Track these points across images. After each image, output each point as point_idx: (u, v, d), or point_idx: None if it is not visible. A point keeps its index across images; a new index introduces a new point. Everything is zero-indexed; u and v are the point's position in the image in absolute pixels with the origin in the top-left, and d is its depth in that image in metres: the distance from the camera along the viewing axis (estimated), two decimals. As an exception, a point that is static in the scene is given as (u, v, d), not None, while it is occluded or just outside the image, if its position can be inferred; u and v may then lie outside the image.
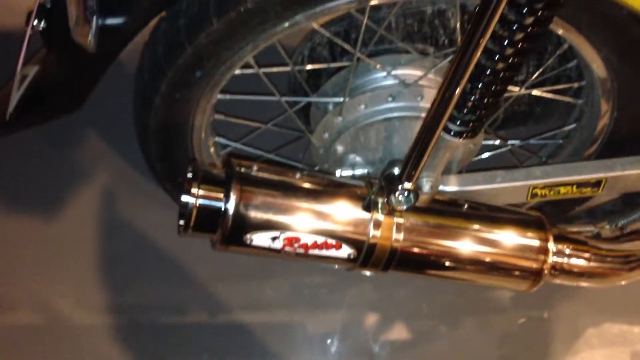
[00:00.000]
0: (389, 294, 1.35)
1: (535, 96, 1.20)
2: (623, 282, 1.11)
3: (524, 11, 0.78)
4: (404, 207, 0.92)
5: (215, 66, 0.95)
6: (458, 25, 1.07)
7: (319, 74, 1.15)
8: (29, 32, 0.88)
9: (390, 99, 1.05)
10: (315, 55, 1.14)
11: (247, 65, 1.00)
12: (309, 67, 1.11)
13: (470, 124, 0.90)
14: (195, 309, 1.31)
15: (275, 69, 1.06)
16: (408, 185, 0.90)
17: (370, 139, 1.08)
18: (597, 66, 1.03)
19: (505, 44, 0.81)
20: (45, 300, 1.28)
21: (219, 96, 1.05)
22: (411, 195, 0.91)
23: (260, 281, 1.34)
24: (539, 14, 0.79)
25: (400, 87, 1.05)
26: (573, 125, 1.20)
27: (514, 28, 0.80)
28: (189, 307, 1.30)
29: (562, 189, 1.07)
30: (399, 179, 0.90)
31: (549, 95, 1.15)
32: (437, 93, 0.84)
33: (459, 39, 1.05)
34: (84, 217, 1.35)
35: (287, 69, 1.08)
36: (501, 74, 0.85)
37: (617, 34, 0.97)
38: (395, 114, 1.05)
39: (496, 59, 0.83)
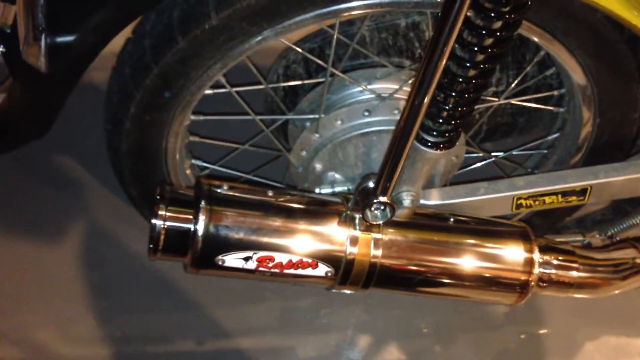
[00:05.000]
0: (381, 314, 1.31)
1: (518, 107, 1.18)
2: (616, 292, 1.09)
3: (491, 16, 0.77)
4: (381, 222, 0.89)
5: (184, 86, 0.93)
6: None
7: (296, 92, 1.14)
8: None
9: (366, 113, 1.04)
10: (290, 73, 1.13)
11: (219, 85, 0.99)
12: (283, 84, 1.09)
13: (447, 135, 0.89)
14: (182, 337, 1.27)
15: (248, 88, 1.04)
16: (383, 198, 0.88)
17: (348, 155, 1.06)
18: (575, 72, 1.02)
19: (474, 50, 0.80)
20: (28, 334, 1.25)
21: (192, 117, 1.03)
22: (387, 210, 0.88)
23: (248, 305, 1.30)
24: (506, 17, 0.78)
25: (376, 101, 1.03)
26: (556, 135, 1.18)
27: (483, 33, 0.79)
28: (174, 335, 1.27)
29: (547, 199, 1.05)
30: (374, 193, 0.88)
31: (530, 105, 1.13)
32: (406, 103, 0.82)
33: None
34: (64, 247, 1.33)
35: (262, 87, 1.06)
36: (473, 82, 0.84)
37: (592, 38, 0.96)
38: (372, 129, 1.04)
39: (467, 66, 0.82)
